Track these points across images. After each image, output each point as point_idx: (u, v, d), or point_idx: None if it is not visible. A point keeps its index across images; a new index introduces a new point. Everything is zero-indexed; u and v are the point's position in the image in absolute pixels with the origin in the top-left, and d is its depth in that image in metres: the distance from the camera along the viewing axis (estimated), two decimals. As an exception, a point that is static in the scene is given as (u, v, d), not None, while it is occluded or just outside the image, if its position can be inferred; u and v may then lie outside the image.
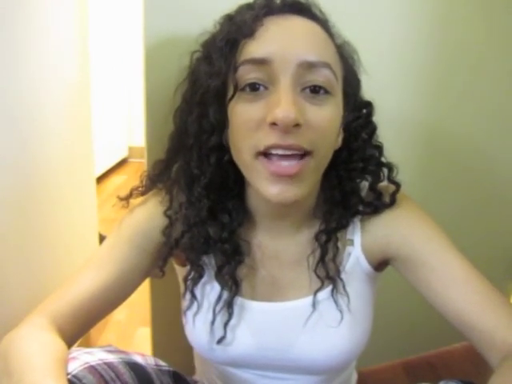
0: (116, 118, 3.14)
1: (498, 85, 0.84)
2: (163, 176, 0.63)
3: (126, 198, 0.65)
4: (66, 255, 1.10)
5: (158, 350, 0.92)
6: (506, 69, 0.84)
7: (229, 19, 0.56)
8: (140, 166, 3.22)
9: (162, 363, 0.59)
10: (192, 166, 0.57)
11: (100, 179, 2.79)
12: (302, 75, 0.50)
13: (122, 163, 3.30)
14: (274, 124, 0.49)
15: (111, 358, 0.52)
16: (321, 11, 0.57)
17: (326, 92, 0.52)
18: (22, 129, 0.85)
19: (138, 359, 0.55)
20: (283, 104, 0.48)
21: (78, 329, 0.58)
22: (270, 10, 0.54)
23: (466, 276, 0.56)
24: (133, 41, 2.96)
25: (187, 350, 0.71)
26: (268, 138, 0.50)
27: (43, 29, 0.93)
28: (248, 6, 0.56)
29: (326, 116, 0.52)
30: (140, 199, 0.65)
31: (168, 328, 0.76)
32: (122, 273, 0.59)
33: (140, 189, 0.65)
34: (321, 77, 0.51)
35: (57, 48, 1.01)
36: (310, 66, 0.50)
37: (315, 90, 0.51)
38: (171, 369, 0.60)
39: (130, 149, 3.40)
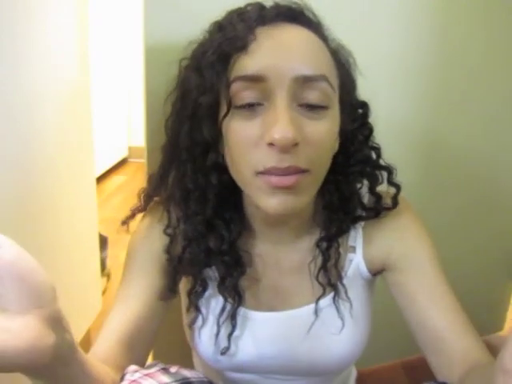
0: (116, 118, 3.15)
1: (498, 89, 0.84)
2: (159, 189, 0.61)
3: (127, 220, 0.63)
4: (66, 255, 1.10)
5: (157, 350, 0.92)
6: (506, 74, 0.83)
7: (219, 29, 0.54)
8: (140, 166, 3.22)
9: (200, 374, 0.58)
10: (187, 180, 0.56)
11: (100, 179, 2.79)
12: (298, 90, 0.49)
13: (122, 163, 3.30)
14: (271, 144, 0.47)
15: (169, 381, 0.51)
16: (314, 14, 0.55)
17: (324, 106, 0.50)
18: (23, 129, 0.85)
19: (187, 375, 0.55)
20: (280, 124, 0.46)
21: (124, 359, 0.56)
22: (262, 21, 0.51)
23: (449, 300, 0.57)
24: (133, 41, 2.96)
25: (187, 350, 0.72)
26: (266, 160, 0.48)
27: (43, 29, 0.93)
28: (239, 15, 0.53)
29: (324, 130, 0.50)
30: (138, 224, 0.64)
31: (168, 328, 0.76)
32: (147, 300, 0.58)
33: (139, 207, 0.64)
34: (318, 91, 0.49)
35: (57, 48, 1.01)
36: (306, 80, 0.49)
37: (312, 106, 0.50)
38: (206, 378, 0.59)
39: (130, 149, 3.40)
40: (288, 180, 0.49)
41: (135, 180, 2.99)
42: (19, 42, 0.83)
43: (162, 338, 0.91)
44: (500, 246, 0.94)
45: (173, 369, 0.53)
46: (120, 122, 3.24)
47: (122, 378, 0.51)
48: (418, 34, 0.80)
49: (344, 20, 0.57)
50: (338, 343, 0.60)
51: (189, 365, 0.74)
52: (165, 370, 0.52)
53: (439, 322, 0.56)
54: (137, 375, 0.50)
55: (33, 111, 0.89)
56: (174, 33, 0.74)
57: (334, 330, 0.59)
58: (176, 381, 0.52)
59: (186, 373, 0.54)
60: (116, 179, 3.04)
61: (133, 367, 0.51)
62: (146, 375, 0.50)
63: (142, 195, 0.63)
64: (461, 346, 0.54)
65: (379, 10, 0.78)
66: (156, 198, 0.63)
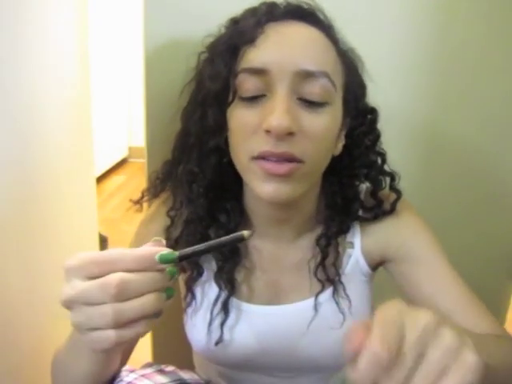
0: (116, 118, 3.15)
1: (498, 87, 0.84)
2: (170, 175, 0.63)
3: (139, 201, 0.65)
4: (66, 255, 1.10)
5: (158, 350, 0.92)
6: (507, 71, 0.83)
7: (233, 23, 0.57)
8: (140, 166, 3.22)
9: (196, 375, 0.58)
10: (192, 163, 0.58)
11: (100, 179, 2.79)
12: (299, 83, 0.51)
13: (122, 163, 3.30)
14: (268, 131, 0.49)
15: (165, 381, 0.52)
16: (325, 16, 0.56)
17: (323, 102, 0.52)
18: (23, 129, 0.85)
19: (183, 376, 0.55)
20: (277, 112, 0.48)
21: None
22: (273, 17, 0.54)
23: (453, 281, 0.58)
24: (133, 41, 2.96)
25: (187, 349, 0.72)
26: (262, 145, 0.50)
27: (43, 29, 0.93)
28: (252, 12, 0.56)
29: (322, 125, 0.52)
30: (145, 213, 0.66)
31: (168, 328, 0.76)
32: None
33: (150, 190, 0.66)
34: (318, 86, 0.51)
35: (57, 48, 1.01)
36: (307, 75, 0.51)
37: (311, 100, 0.51)
38: (203, 380, 0.60)
39: (130, 149, 3.40)
40: (282, 168, 0.50)
41: (135, 180, 2.99)
42: (19, 41, 0.83)
43: (162, 339, 0.92)
44: (500, 246, 0.94)
45: (169, 369, 0.54)
46: (120, 122, 3.24)
47: (115, 379, 0.51)
48: (418, 30, 0.80)
49: (344, 19, 0.57)
50: (337, 338, 0.60)
51: (189, 365, 0.74)
52: (161, 371, 0.52)
53: (447, 306, 0.56)
54: (133, 376, 0.50)
55: (32, 111, 0.89)
56: (174, 33, 0.74)
57: (333, 325, 0.60)
58: (173, 381, 0.52)
59: (183, 374, 0.55)
60: (116, 179, 3.04)
61: (128, 367, 0.52)
62: (142, 376, 0.51)
63: (153, 179, 0.65)
64: (469, 324, 0.54)
65: (380, 9, 0.79)
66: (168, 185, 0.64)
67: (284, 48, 0.51)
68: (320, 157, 0.54)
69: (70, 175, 1.11)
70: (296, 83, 0.50)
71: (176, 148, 0.62)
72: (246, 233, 0.39)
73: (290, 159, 0.50)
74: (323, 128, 0.52)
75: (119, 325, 0.37)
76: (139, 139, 3.27)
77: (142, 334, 0.39)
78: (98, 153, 1.51)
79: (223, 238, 0.40)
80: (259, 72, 0.51)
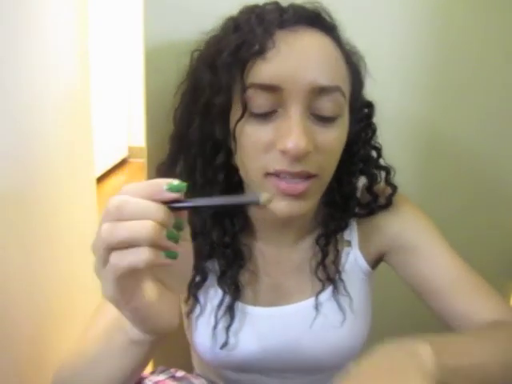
0: (116, 118, 3.15)
1: (498, 86, 0.84)
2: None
3: None
4: (66, 255, 1.10)
5: (158, 354, 0.92)
6: (506, 69, 0.84)
7: (235, 28, 0.53)
8: (140, 166, 3.22)
9: (204, 382, 0.58)
10: (196, 174, 0.56)
11: (100, 179, 2.79)
12: (312, 99, 0.49)
13: (122, 163, 3.30)
14: (284, 152, 0.48)
15: None
16: (330, 16, 0.55)
17: (336, 116, 0.51)
18: (23, 129, 0.85)
19: (194, 382, 0.55)
20: (294, 134, 0.47)
21: None
22: (282, 24, 0.51)
23: (453, 264, 0.58)
24: (133, 40, 2.96)
25: (187, 350, 0.72)
26: (278, 163, 0.49)
27: (43, 29, 0.93)
28: (257, 17, 0.52)
29: (335, 138, 0.52)
30: None
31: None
32: None
33: None
34: (331, 101, 0.50)
35: (57, 48, 1.01)
36: (321, 91, 0.49)
37: (324, 115, 0.51)
38: None
39: (130, 149, 3.40)
40: (297, 188, 0.50)
41: (135, 180, 2.96)
42: (19, 41, 0.83)
43: (162, 340, 0.92)
44: (500, 246, 0.94)
45: (179, 374, 0.53)
46: (120, 122, 3.24)
47: None
48: (418, 30, 0.80)
49: (344, 17, 0.57)
50: (340, 336, 0.60)
51: (189, 365, 0.74)
52: (173, 378, 0.52)
53: (446, 288, 0.57)
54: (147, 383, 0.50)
55: (32, 111, 0.89)
56: (174, 33, 0.74)
57: (335, 324, 0.60)
58: None
59: (193, 379, 0.54)
60: (116, 179, 3.04)
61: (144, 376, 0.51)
62: (156, 383, 0.51)
63: None
64: (471, 307, 0.55)
65: (380, 8, 0.78)
66: None
67: (296, 63, 0.49)
68: (332, 167, 0.54)
69: (70, 175, 1.11)
70: (309, 99, 0.49)
71: (173, 151, 0.60)
72: (264, 196, 0.36)
73: (306, 176, 0.50)
74: (336, 141, 0.52)
75: (111, 245, 0.35)
76: (139, 139, 3.27)
77: (137, 264, 0.35)
78: (98, 153, 1.51)
79: (238, 199, 0.39)
80: (271, 88, 0.49)
